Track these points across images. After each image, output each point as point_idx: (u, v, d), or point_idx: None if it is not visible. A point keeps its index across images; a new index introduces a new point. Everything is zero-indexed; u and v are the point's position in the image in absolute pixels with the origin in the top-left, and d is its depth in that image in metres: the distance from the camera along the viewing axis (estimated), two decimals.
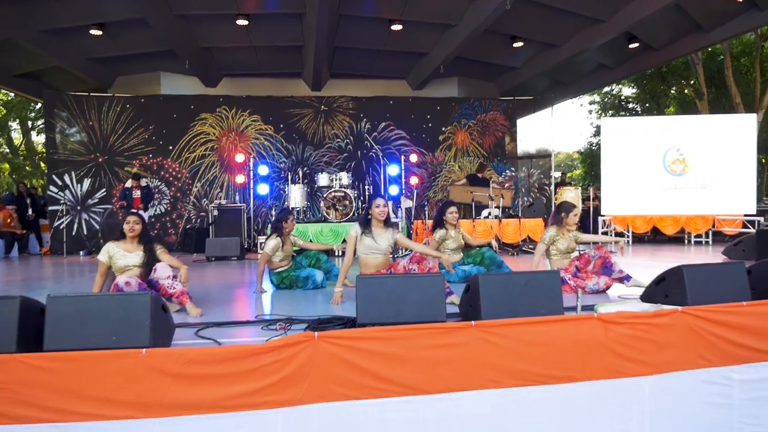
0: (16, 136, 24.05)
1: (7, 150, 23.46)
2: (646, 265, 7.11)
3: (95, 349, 2.64)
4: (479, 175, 10.77)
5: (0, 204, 10.87)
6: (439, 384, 2.83)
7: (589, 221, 11.01)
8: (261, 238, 9.64)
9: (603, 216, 10.62)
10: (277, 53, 11.21)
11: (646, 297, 3.91)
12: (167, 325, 3.07)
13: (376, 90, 12.50)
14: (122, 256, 4.34)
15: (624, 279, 5.07)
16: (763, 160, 15.20)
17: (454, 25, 9.94)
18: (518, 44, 10.99)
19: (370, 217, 4.84)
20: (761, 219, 9.99)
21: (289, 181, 10.64)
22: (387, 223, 4.88)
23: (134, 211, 5.47)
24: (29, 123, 23.44)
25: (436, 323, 2.96)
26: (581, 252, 5.33)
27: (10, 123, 22.77)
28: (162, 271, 4.26)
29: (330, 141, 11.99)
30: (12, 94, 19.74)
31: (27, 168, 23.30)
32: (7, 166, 23.50)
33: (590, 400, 3.04)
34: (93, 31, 9.64)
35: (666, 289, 3.66)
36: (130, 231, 4.36)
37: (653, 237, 11.30)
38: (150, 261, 4.34)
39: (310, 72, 11.42)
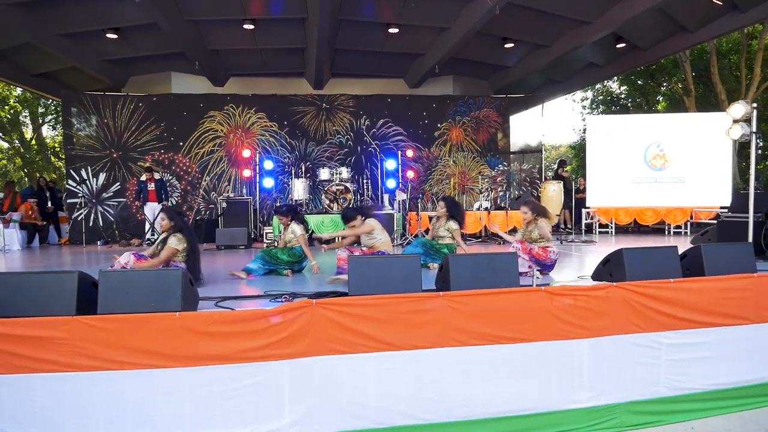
0: (27, 131, 24.75)
1: (19, 144, 24.17)
2: None
3: (138, 313, 3.32)
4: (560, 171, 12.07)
5: (17, 197, 11.57)
6: (414, 342, 3.52)
7: (579, 213, 11.61)
8: (267, 229, 10.31)
9: (587, 208, 11.28)
10: (281, 55, 11.85)
11: (595, 276, 4.58)
12: (194, 296, 3.76)
13: (375, 88, 13.14)
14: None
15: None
16: (748, 150, 15.73)
17: (447, 27, 10.52)
18: (509, 45, 11.58)
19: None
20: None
21: (293, 175, 11.30)
22: None
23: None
24: (40, 119, 24.17)
25: (412, 293, 3.64)
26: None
27: (21, 118, 23.49)
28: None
29: (331, 137, 12.63)
30: (21, 90, 20.42)
31: (39, 162, 24.01)
32: (19, 160, 24.21)
33: (539, 357, 3.72)
34: (109, 35, 10.27)
35: (610, 269, 4.32)
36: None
37: (636, 228, 11.94)
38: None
39: (312, 72, 12.04)
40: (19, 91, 21.19)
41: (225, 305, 4.01)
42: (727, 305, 4.08)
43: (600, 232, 11.38)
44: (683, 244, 9.53)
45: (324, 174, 10.90)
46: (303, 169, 11.58)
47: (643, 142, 11.13)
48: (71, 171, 11.79)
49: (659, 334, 3.96)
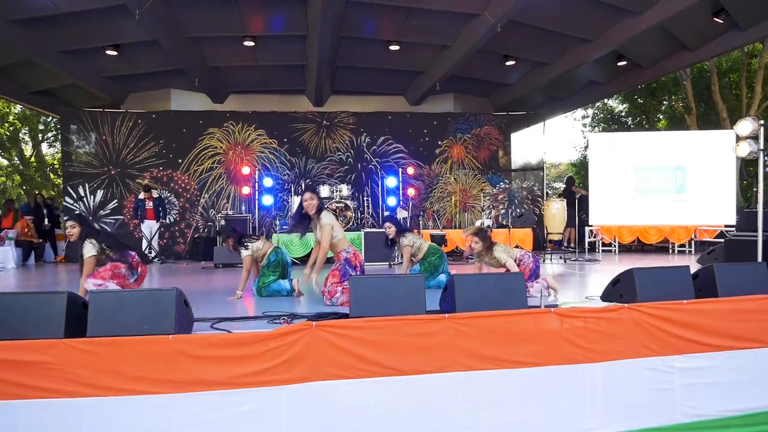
0: (26, 148, 24.71)
1: (18, 161, 24.11)
2: None
3: (129, 336, 3.17)
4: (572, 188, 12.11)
5: (18, 214, 11.44)
6: (418, 366, 3.36)
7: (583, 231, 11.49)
8: None
9: (590, 226, 11.15)
10: (281, 72, 11.82)
11: (605, 296, 4.43)
12: (188, 317, 3.61)
13: (376, 106, 13.10)
14: None
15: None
16: (750, 169, 15.68)
17: (448, 45, 10.50)
18: (510, 63, 11.55)
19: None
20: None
21: (292, 193, 11.20)
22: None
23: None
24: (39, 135, 24.14)
25: (415, 315, 3.49)
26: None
27: (21, 135, 23.46)
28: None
29: (331, 154, 12.55)
30: (21, 107, 20.41)
31: (37, 179, 23.93)
32: (17, 177, 24.12)
33: (548, 382, 3.56)
34: (109, 52, 10.22)
35: (620, 289, 4.18)
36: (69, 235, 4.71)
37: (639, 247, 11.80)
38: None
39: (313, 89, 12.00)
40: (19, 108, 21.18)
41: (221, 327, 3.86)
42: (743, 327, 3.93)
43: (603, 251, 11.24)
44: (688, 263, 9.41)
45: (324, 191, 10.79)
46: (302, 187, 11.48)
47: (646, 159, 11.03)
48: (68, 188, 11.67)
49: (673, 357, 3.80)
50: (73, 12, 8.81)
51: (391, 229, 6.49)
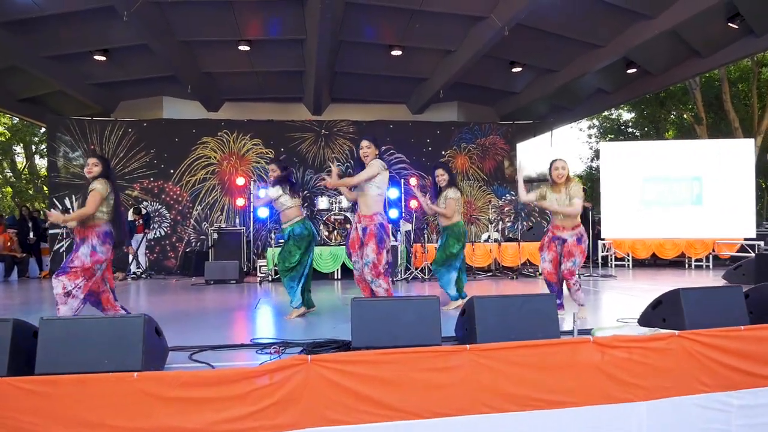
0: (20, 160, 24.22)
1: (11, 174, 23.59)
2: (646, 289, 7.09)
3: (87, 373, 2.63)
4: None
5: (1, 227, 10.91)
6: (434, 408, 2.81)
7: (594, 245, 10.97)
8: (261, 262, 9.61)
9: (603, 240, 10.61)
10: (278, 78, 11.34)
11: (643, 321, 3.89)
12: (161, 348, 3.06)
13: (377, 114, 12.61)
14: None
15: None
16: (763, 185, 15.23)
17: (453, 50, 10.05)
18: (517, 69, 11.10)
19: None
20: (761, 243, 9.98)
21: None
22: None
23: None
24: (33, 147, 23.63)
25: (430, 347, 2.95)
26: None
27: (14, 147, 22.94)
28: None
29: (330, 164, 12.01)
30: (16, 119, 19.94)
31: (29, 191, 23.40)
32: (9, 189, 23.58)
33: (587, 425, 3.00)
34: (97, 57, 9.76)
35: (663, 312, 3.64)
36: (88, 173, 4.33)
37: (654, 261, 11.27)
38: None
39: (311, 96, 11.53)
40: (15, 120, 20.68)
41: (201, 358, 3.32)
42: None
43: (615, 265, 10.70)
44: (707, 279, 8.91)
45: (322, 203, 10.25)
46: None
47: (661, 170, 10.52)
48: (54, 200, 11.13)
49: (729, 393, 3.25)
50: (58, 14, 8.37)
51: (443, 177, 5.84)
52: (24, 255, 11.00)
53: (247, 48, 9.64)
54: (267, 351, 3.46)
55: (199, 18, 8.74)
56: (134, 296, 7.76)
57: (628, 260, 10.59)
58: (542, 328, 3.27)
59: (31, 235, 11.47)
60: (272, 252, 8.93)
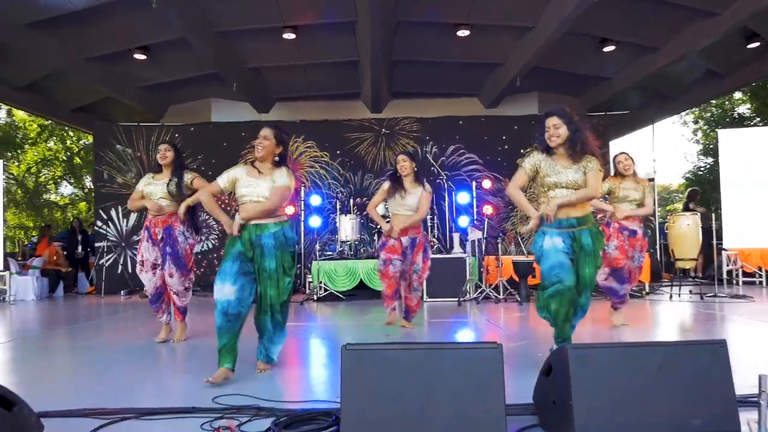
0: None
1: (90, 188, 24.18)
2: None
3: None
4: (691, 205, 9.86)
5: (45, 240, 10.45)
6: None
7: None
8: (310, 277, 8.43)
9: (726, 250, 8.52)
10: (330, 70, 10.18)
11: None
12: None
13: (444, 110, 11.13)
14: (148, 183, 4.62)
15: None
16: None
17: (531, 27, 8.49)
18: (609, 48, 9.31)
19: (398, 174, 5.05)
20: None
21: (340, 212, 9.48)
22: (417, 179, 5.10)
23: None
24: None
25: None
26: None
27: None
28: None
29: (391, 167, 10.69)
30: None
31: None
32: (83, 205, 24.09)
33: None
34: (137, 55, 9.11)
35: None
36: (162, 158, 4.59)
37: None
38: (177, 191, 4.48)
39: (369, 91, 10.32)
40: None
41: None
42: None
43: (743, 282, 8.58)
44: None
45: (381, 209, 8.90)
46: (351, 204, 9.68)
47: None
48: (100, 211, 10.51)
49: None
50: (89, 8, 7.65)
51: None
52: (70, 269, 10.45)
53: (292, 36, 8.55)
54: (216, 426, 2.11)
55: (234, 3, 7.75)
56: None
57: (761, 275, 8.43)
58: (702, 406, 1.72)
59: (80, 248, 10.95)
60: (317, 266, 7.69)
